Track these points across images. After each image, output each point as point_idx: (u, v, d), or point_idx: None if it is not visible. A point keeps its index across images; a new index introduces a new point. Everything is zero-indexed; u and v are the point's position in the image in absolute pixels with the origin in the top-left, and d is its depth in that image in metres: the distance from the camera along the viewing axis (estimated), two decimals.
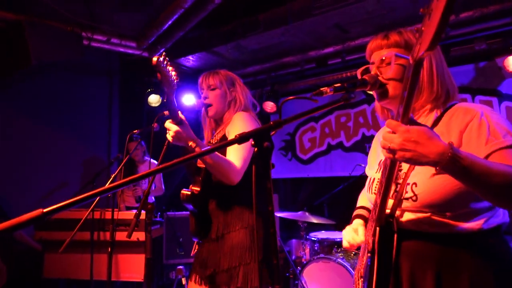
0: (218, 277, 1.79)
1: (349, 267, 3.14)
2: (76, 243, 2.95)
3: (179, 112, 1.66)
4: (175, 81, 1.56)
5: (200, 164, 1.93)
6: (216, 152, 1.69)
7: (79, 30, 3.81)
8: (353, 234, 1.40)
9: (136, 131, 2.68)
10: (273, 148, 0.98)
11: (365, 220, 1.49)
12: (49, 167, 4.33)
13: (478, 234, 1.08)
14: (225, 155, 1.77)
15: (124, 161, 2.53)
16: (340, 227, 4.07)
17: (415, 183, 1.11)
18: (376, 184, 1.27)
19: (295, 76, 5.11)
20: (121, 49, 4.31)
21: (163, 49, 4.32)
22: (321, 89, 1.11)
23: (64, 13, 3.62)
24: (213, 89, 1.96)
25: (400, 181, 1.16)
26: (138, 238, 3.10)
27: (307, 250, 3.72)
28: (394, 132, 0.96)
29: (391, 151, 0.95)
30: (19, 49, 3.49)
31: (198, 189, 1.86)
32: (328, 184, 4.76)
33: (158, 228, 4.12)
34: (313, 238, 3.68)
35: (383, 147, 0.98)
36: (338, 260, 3.20)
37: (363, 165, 4.23)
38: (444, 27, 0.79)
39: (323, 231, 3.95)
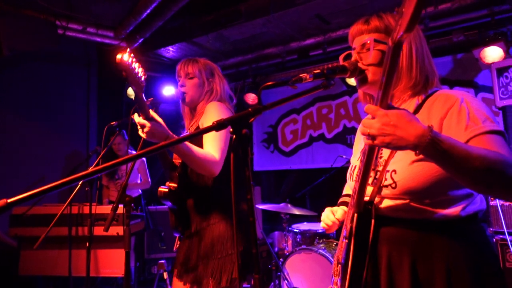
0: (200, 271, 1.77)
1: (330, 257, 3.16)
2: (53, 238, 2.88)
3: (150, 109, 1.60)
4: (143, 78, 1.50)
5: (176, 159, 1.89)
6: (193, 145, 1.65)
7: (53, 18, 3.67)
8: (329, 214, 1.40)
9: (114, 122, 2.60)
10: (251, 135, 0.95)
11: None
12: (25, 161, 4.20)
13: (455, 221, 1.08)
14: (202, 147, 1.73)
15: (102, 153, 2.46)
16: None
17: (394, 170, 1.11)
18: (357, 172, 1.26)
19: (277, 68, 5.09)
20: (98, 39, 4.19)
21: (141, 39, 4.22)
22: (301, 75, 1.09)
23: (38, 2, 3.48)
24: (190, 78, 1.92)
25: (380, 168, 1.15)
26: (117, 233, 3.04)
27: (290, 242, 3.73)
28: (373, 118, 0.95)
29: (370, 136, 0.94)
30: None
31: (175, 185, 1.83)
32: (310, 176, 4.78)
33: (138, 222, 4.06)
34: (295, 230, 3.70)
35: (363, 133, 0.96)
36: (320, 251, 3.22)
37: (344, 157, 4.26)
38: (421, 6, 0.77)
39: (305, 223, 3.97)
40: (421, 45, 1.21)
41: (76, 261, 2.98)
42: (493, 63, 3.51)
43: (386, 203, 1.14)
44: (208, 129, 0.95)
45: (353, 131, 4.91)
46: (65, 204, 2.44)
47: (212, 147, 1.70)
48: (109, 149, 4.17)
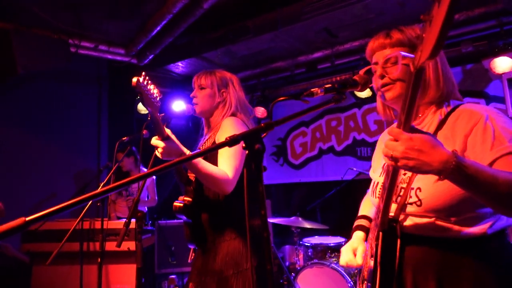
0: (214, 285, 1.76)
1: (343, 272, 3.11)
2: (65, 254, 2.89)
3: (166, 129, 1.62)
4: (158, 98, 1.52)
5: (191, 174, 1.90)
6: (206, 162, 1.66)
7: (66, 37, 3.76)
8: (351, 256, 1.40)
9: (125, 138, 2.64)
10: (264, 150, 0.96)
11: (366, 231, 1.47)
12: (37, 177, 4.25)
13: (481, 238, 1.06)
14: (216, 164, 1.74)
15: (113, 169, 2.49)
16: (333, 232, 4.06)
17: (419, 188, 1.10)
18: (380, 189, 1.25)
19: (286, 81, 5.12)
20: (109, 56, 4.27)
21: (152, 55, 4.29)
22: (312, 90, 1.10)
23: (51, 21, 3.58)
24: (202, 88, 1.94)
25: (404, 185, 1.14)
26: (128, 248, 3.05)
27: (301, 256, 3.69)
28: (396, 140, 0.95)
29: (393, 159, 0.94)
30: (6, 58, 3.44)
31: (190, 199, 1.83)
32: (320, 189, 4.75)
33: (149, 237, 4.05)
34: (306, 244, 3.66)
35: (386, 155, 0.96)
36: (332, 265, 3.17)
37: (354, 169, 4.23)
38: (446, 34, 0.77)
39: (316, 236, 3.93)
40: (443, 57, 1.23)
41: (87, 277, 2.98)
42: (503, 73, 3.48)
43: (411, 220, 1.12)
44: (221, 145, 0.96)
45: (363, 143, 4.88)
46: (77, 220, 2.46)
47: (226, 165, 1.70)
48: (119, 166, 4.21)
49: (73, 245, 3.03)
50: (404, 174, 1.17)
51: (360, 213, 1.57)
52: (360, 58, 4.18)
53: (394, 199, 1.12)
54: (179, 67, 4.90)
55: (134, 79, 1.35)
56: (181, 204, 1.82)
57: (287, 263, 4.37)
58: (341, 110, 5.13)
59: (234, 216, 1.80)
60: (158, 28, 3.71)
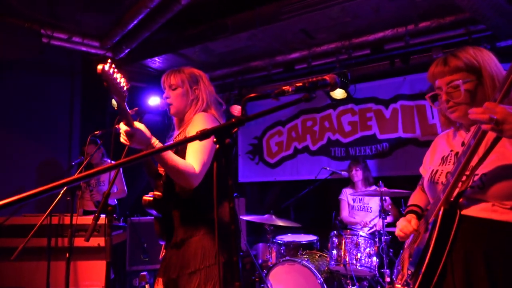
0: (181, 281, 1.76)
1: (313, 268, 3.18)
2: (31, 250, 2.80)
3: (134, 120, 1.61)
4: (125, 88, 1.50)
5: (161, 168, 1.89)
6: (174, 156, 1.66)
7: (38, 27, 3.65)
8: (407, 223, 1.54)
9: (97, 132, 2.59)
10: (234, 145, 0.98)
11: (418, 215, 1.60)
12: (4, 170, 4.10)
13: None
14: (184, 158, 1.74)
15: (85, 162, 2.45)
16: (306, 230, 4.12)
17: (484, 174, 1.24)
18: (440, 174, 1.42)
19: (263, 80, 5.15)
20: (84, 48, 4.17)
21: (128, 49, 4.22)
22: (283, 88, 1.13)
23: (24, 10, 3.46)
24: (174, 89, 1.93)
25: (467, 173, 1.27)
26: (98, 244, 2.99)
27: (273, 254, 3.73)
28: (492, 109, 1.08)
29: (493, 120, 1.06)
30: None
31: (160, 194, 1.82)
32: (294, 188, 4.81)
33: (121, 233, 3.99)
34: (279, 241, 3.71)
35: (488, 118, 1.07)
36: (303, 262, 3.23)
37: (328, 168, 4.31)
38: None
39: (289, 234, 3.99)
40: (497, 66, 1.35)
41: (54, 274, 2.91)
42: None
43: (471, 203, 1.27)
44: (192, 139, 0.97)
45: (337, 143, 4.98)
46: (46, 214, 2.40)
47: (194, 158, 1.69)
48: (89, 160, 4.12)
49: (40, 241, 2.95)
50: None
51: (411, 202, 1.71)
52: (336, 61, 4.25)
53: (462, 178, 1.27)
54: (156, 62, 4.84)
55: (100, 66, 1.32)
56: (151, 198, 1.81)
57: (260, 261, 4.40)
58: (317, 111, 5.22)
59: (204, 210, 1.80)
60: (135, 22, 3.66)
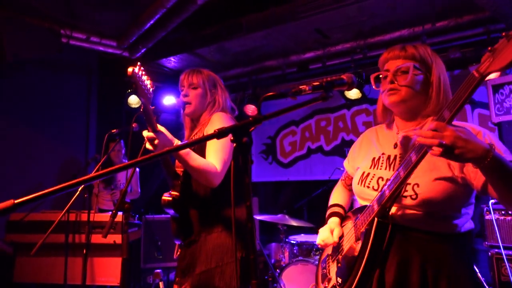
0: (200, 279, 1.78)
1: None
2: (49, 245, 2.86)
3: (156, 123, 1.64)
4: (151, 90, 1.54)
5: (178, 168, 1.91)
6: (196, 154, 1.68)
7: (57, 27, 3.73)
8: (328, 234, 1.53)
9: (114, 130, 2.63)
10: (251, 143, 0.98)
11: (341, 218, 1.58)
12: (24, 167, 4.20)
13: (457, 235, 1.25)
14: (204, 157, 1.75)
15: (102, 160, 2.49)
16: (319, 230, 4.10)
17: (417, 184, 1.24)
18: (371, 179, 1.40)
19: (277, 80, 5.15)
20: (101, 48, 4.24)
21: (144, 49, 4.27)
22: (300, 87, 1.13)
23: (43, 10, 3.54)
24: (194, 88, 1.95)
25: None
26: (114, 241, 3.04)
27: (286, 253, 3.73)
28: (441, 132, 1.04)
29: (442, 145, 1.02)
30: None
31: (177, 193, 1.84)
32: (308, 188, 4.79)
33: (136, 231, 4.04)
34: (292, 241, 3.70)
35: (433, 143, 1.03)
36: (317, 262, 3.22)
37: (342, 169, 4.28)
38: None
39: (302, 234, 3.97)
40: (445, 76, 1.36)
41: (71, 269, 2.96)
42: (488, 80, 3.57)
43: (403, 212, 1.26)
44: (209, 137, 0.98)
45: (351, 143, 4.93)
46: (64, 211, 2.45)
47: (215, 157, 1.71)
48: (108, 157, 4.19)
49: (58, 237, 3.00)
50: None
51: (333, 201, 1.69)
52: (351, 60, 4.22)
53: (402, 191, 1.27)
54: (171, 62, 4.88)
55: (130, 69, 1.36)
56: (170, 198, 1.83)
57: (272, 260, 4.40)
58: (331, 111, 5.19)
59: (221, 209, 1.82)
60: (152, 22, 3.70)
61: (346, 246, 1.43)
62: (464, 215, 1.26)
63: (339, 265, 1.43)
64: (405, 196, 1.24)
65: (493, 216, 2.96)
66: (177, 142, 1.67)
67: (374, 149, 1.48)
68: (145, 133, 1.60)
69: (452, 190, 1.21)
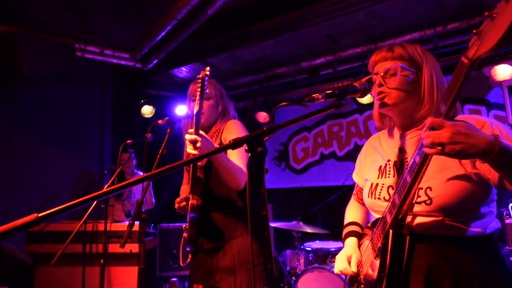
0: (221, 284, 1.81)
1: (343, 276, 3.12)
2: (67, 255, 2.90)
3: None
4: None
5: (200, 174, 1.95)
6: (228, 157, 1.75)
7: (72, 41, 3.82)
8: (346, 264, 1.42)
9: (129, 141, 2.67)
10: (266, 153, 0.99)
11: (358, 237, 1.49)
12: (41, 179, 4.29)
13: (484, 237, 1.14)
14: None
15: (117, 171, 2.52)
16: (334, 237, 4.07)
17: (429, 187, 1.15)
18: (381, 189, 1.31)
19: (288, 87, 5.16)
20: (114, 61, 4.32)
21: (156, 60, 4.34)
22: (313, 95, 1.13)
23: (58, 26, 3.64)
24: (207, 99, 1.99)
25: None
26: (131, 250, 3.07)
27: (302, 260, 3.70)
28: (438, 129, 0.97)
29: (439, 144, 0.94)
30: (12, 61, 3.49)
31: (199, 198, 1.88)
32: (321, 194, 4.77)
33: (151, 239, 4.08)
34: (307, 248, 3.67)
35: (430, 143, 0.96)
36: (333, 269, 3.19)
37: None
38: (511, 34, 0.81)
39: (317, 241, 3.94)
40: (439, 73, 1.28)
41: (89, 278, 3.00)
42: (504, 80, 3.51)
43: (419, 220, 1.17)
44: (225, 147, 0.99)
45: None
46: (81, 221, 2.49)
47: (240, 161, 1.79)
48: (123, 169, 4.25)
49: (76, 247, 3.05)
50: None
51: (348, 219, 1.59)
52: (362, 65, 4.21)
53: (411, 197, 1.17)
54: (183, 71, 4.95)
55: (203, 72, 1.43)
56: (199, 202, 1.84)
57: (288, 268, 4.38)
58: (343, 116, 5.17)
59: (242, 215, 1.85)
60: (163, 34, 3.77)
61: (366, 266, 1.33)
62: (488, 214, 1.16)
63: (362, 286, 1.34)
64: (419, 203, 1.15)
65: None
66: (215, 145, 1.74)
67: (379, 157, 1.41)
68: (188, 136, 1.64)
69: (468, 189, 1.11)
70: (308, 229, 3.58)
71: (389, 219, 1.17)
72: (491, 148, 0.93)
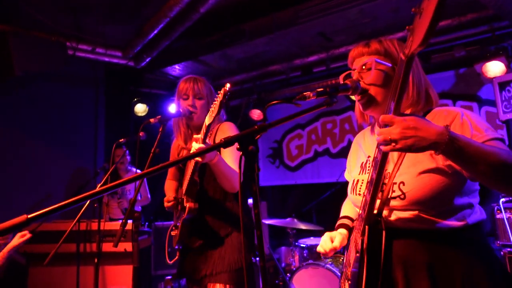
0: (211, 283, 1.82)
1: (338, 272, 3.15)
2: (61, 255, 2.89)
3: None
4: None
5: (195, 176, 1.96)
6: (225, 161, 1.77)
7: (63, 40, 3.79)
8: (327, 240, 1.46)
9: (122, 139, 2.66)
10: (257, 151, 1.00)
11: (348, 229, 1.52)
12: (33, 178, 4.26)
13: (464, 229, 1.13)
14: None
15: (110, 169, 2.51)
16: None
17: (402, 182, 1.16)
18: (361, 185, 1.32)
19: (281, 84, 5.16)
20: (107, 59, 4.30)
21: (149, 58, 4.32)
22: (304, 93, 1.14)
23: (50, 24, 3.60)
24: (200, 98, 2.01)
25: (386, 181, 1.20)
26: (125, 249, 3.07)
27: (296, 257, 3.72)
28: (389, 125, 0.98)
29: (392, 141, 0.96)
30: (3, 59, 3.46)
31: (196, 201, 1.90)
32: (316, 191, 4.78)
33: (146, 238, 4.07)
34: (302, 245, 3.69)
35: (382, 140, 0.98)
36: (327, 265, 3.21)
37: None
38: (437, 23, 0.83)
39: (311, 238, 3.97)
40: (416, 67, 1.27)
41: (84, 278, 3.00)
42: (495, 77, 3.54)
43: (396, 214, 1.18)
44: (216, 146, 1.00)
45: None
46: (75, 221, 2.48)
47: (235, 164, 1.80)
48: (115, 167, 4.23)
49: (69, 246, 3.04)
50: (385, 170, 1.21)
51: (342, 213, 1.63)
52: None
53: (379, 192, 1.17)
54: (176, 69, 4.93)
55: (228, 85, 1.48)
56: (197, 206, 1.86)
57: (283, 264, 4.40)
58: (337, 113, 5.18)
59: (234, 215, 1.87)
60: (155, 32, 3.75)
61: (351, 261, 1.34)
62: (467, 206, 1.15)
63: (349, 282, 1.34)
64: (394, 198, 1.16)
65: (504, 215, 2.93)
66: (218, 153, 1.75)
67: (362, 154, 1.43)
68: (196, 145, 1.67)
69: (440, 182, 1.10)
70: (303, 226, 3.60)
71: (363, 215, 1.19)
72: (440, 139, 0.94)
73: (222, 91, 1.49)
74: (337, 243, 1.43)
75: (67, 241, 2.62)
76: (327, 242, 1.45)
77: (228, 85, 1.52)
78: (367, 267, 1.13)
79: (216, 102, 1.53)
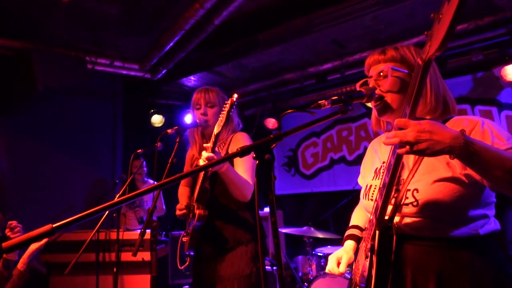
0: (219, 287, 1.83)
1: None
2: (81, 264, 2.95)
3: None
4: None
5: (206, 184, 1.98)
6: (235, 171, 1.79)
7: (83, 54, 3.91)
8: (334, 264, 1.46)
9: (140, 150, 2.71)
10: (273, 160, 1.00)
11: (357, 240, 1.51)
12: (55, 190, 4.35)
13: (475, 239, 1.12)
14: None
15: (128, 180, 2.56)
16: None
17: (416, 189, 1.15)
18: (373, 190, 1.32)
19: (296, 93, 5.17)
20: (124, 72, 4.40)
21: (165, 70, 4.40)
22: (319, 102, 1.14)
23: (69, 39, 3.72)
24: (211, 106, 2.04)
25: (400, 187, 1.19)
26: (143, 258, 3.09)
27: (314, 266, 3.68)
28: (404, 129, 0.98)
29: (407, 143, 0.96)
30: (26, 76, 3.59)
31: (206, 208, 1.92)
32: (332, 199, 4.74)
33: (163, 247, 4.10)
34: (319, 254, 3.65)
35: (397, 143, 0.98)
36: (345, 275, 3.16)
37: None
38: (454, 28, 0.84)
39: (329, 246, 3.92)
40: (434, 73, 1.27)
41: (103, 287, 3.04)
42: None
43: (407, 221, 1.17)
44: (233, 155, 1.01)
45: None
46: (94, 230, 2.52)
47: (247, 174, 1.84)
48: (133, 177, 4.29)
49: (89, 256, 3.09)
50: (400, 176, 1.21)
51: (352, 223, 1.62)
52: None
53: (391, 198, 1.17)
54: (191, 80, 5.00)
55: (236, 95, 1.55)
56: (207, 213, 1.88)
57: (300, 274, 4.35)
58: (352, 120, 5.15)
59: (247, 223, 1.87)
60: (171, 44, 3.82)
61: (360, 267, 1.33)
62: (480, 218, 1.14)
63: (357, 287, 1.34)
64: (407, 204, 1.15)
65: None
66: (227, 162, 1.77)
67: (377, 159, 1.42)
68: (205, 154, 1.70)
69: (455, 191, 1.09)
70: (320, 235, 3.57)
71: (374, 220, 1.18)
72: (455, 143, 0.94)
73: (229, 101, 1.52)
74: (342, 268, 1.43)
75: (87, 251, 2.67)
76: (334, 267, 1.45)
77: (235, 95, 1.54)
78: (376, 272, 1.13)
79: (224, 112, 1.55)
